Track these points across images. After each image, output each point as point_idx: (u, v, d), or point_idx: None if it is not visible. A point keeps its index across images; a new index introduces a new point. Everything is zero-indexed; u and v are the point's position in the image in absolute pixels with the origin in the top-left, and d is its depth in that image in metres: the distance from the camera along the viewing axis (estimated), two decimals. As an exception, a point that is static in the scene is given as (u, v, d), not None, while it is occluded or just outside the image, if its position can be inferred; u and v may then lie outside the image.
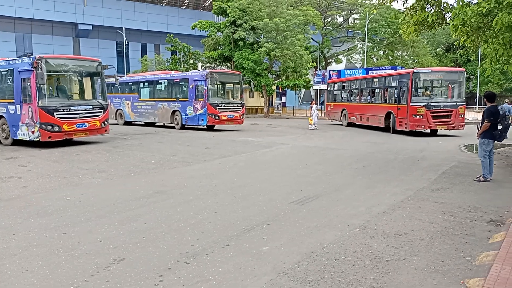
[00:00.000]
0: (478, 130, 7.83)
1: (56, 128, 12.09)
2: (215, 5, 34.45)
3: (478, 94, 46.98)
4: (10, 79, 12.64)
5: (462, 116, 16.77)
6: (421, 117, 16.02)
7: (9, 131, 12.85)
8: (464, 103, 16.90)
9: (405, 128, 16.65)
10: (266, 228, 4.91)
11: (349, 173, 8.55)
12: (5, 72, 12.86)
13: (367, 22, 38.26)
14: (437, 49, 56.35)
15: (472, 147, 13.14)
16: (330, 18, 48.09)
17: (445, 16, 9.80)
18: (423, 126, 16.22)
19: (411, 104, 16.21)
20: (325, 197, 6.44)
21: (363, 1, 42.31)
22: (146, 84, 22.37)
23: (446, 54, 55.47)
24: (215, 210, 5.68)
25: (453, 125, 16.45)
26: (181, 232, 4.74)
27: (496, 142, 7.86)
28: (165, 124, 21.81)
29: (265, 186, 7.27)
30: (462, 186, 7.25)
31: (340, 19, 50.25)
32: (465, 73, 16.97)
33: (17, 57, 14.09)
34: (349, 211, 5.63)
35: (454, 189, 7.05)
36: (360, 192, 6.79)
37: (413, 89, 16.32)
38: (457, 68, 17.26)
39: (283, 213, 5.52)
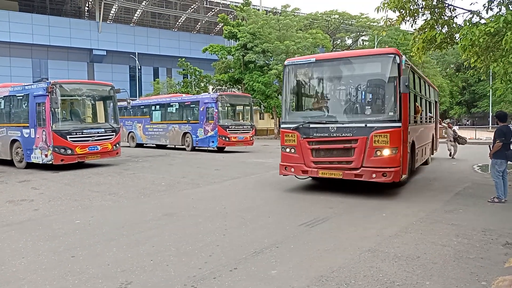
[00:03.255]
0: (490, 150, 7.71)
1: (69, 151, 12.28)
2: (226, 30, 35.17)
3: (490, 114, 46.50)
4: (25, 104, 12.97)
5: (388, 151, 7.53)
6: (292, 151, 8.50)
7: (23, 154, 13.09)
8: (396, 125, 7.52)
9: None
10: (275, 251, 4.85)
11: (359, 194, 8.43)
12: (21, 97, 13.21)
13: (376, 43, 38.54)
14: (448, 69, 56.29)
15: (486, 167, 12.90)
16: (339, 40, 48.64)
17: (454, 36, 9.85)
18: (293, 170, 8.58)
19: (281, 128, 8.90)
20: (334, 219, 6.35)
21: (371, 23, 42.76)
22: (157, 107, 22.73)
23: (456, 74, 55.35)
24: (224, 232, 5.64)
25: (359, 172, 7.76)
26: (189, 255, 4.70)
27: (510, 162, 7.72)
28: (176, 146, 21.98)
29: (274, 208, 7.21)
30: (476, 208, 7.09)
31: (349, 41, 50.78)
32: (399, 57, 7.61)
33: (33, 82, 14.49)
34: (359, 234, 5.53)
35: (467, 210, 6.90)
36: (370, 214, 6.68)
37: (290, 101, 9.06)
38: (378, 50, 9.92)
39: (292, 236, 5.45)
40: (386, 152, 7.53)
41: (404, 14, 9.03)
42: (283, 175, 9.01)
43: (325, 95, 8.96)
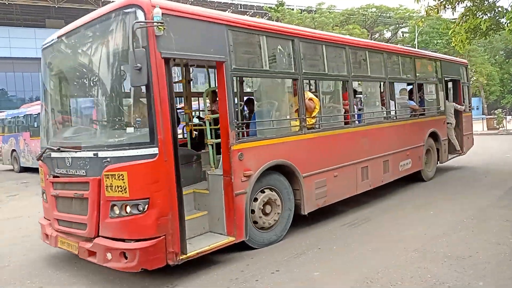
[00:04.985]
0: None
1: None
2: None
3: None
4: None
5: (129, 208, 3.91)
6: (44, 197, 5.08)
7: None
8: (146, 154, 3.87)
9: None
10: (317, 252, 4.78)
11: (402, 191, 8.13)
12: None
13: (416, 35, 37.24)
14: (497, 56, 53.17)
15: (544, 158, 12.05)
16: (378, 34, 47.37)
17: (500, 21, 9.31)
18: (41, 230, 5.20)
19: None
20: (378, 219, 6.16)
21: (411, 14, 41.32)
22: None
23: (507, 60, 52.18)
24: (265, 234, 5.63)
25: (92, 246, 4.11)
26: (230, 258, 4.74)
27: None
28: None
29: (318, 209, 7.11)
30: (533, 202, 6.63)
31: (388, 34, 49.34)
32: (143, 12, 3.88)
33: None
34: (405, 233, 5.33)
35: (524, 205, 6.46)
36: (416, 212, 6.43)
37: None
38: (109, 6, 4.27)
39: (334, 237, 5.36)
40: (128, 209, 3.92)
41: (444, 2, 8.64)
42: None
43: (65, 98, 5.29)
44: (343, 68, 6.61)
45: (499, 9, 9.00)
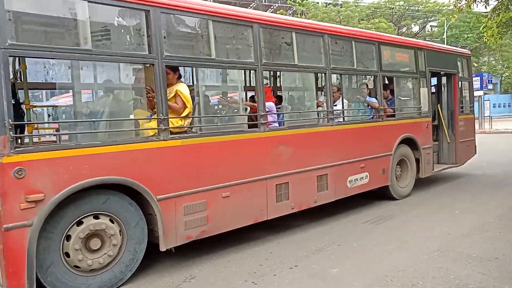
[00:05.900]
0: None
1: None
2: (285, 26, 34.96)
3: None
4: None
5: None
6: None
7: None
8: None
9: None
10: (337, 249, 4.74)
11: (426, 189, 7.95)
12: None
13: (445, 29, 36.15)
14: (531, 51, 50.99)
15: None
16: (405, 28, 46.18)
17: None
18: None
19: None
20: (400, 216, 6.05)
21: (440, 8, 40.10)
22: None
23: (542, 56, 49.95)
24: (284, 229, 5.62)
25: None
26: (249, 252, 4.76)
27: None
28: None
29: (337, 204, 7.05)
30: None
31: (416, 28, 48.05)
32: None
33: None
34: (427, 232, 5.21)
35: (555, 207, 6.21)
36: (440, 211, 6.27)
37: None
38: None
39: (355, 233, 5.30)
40: None
41: (475, -4, 8.35)
42: None
43: None
44: (248, 54, 4.92)
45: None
